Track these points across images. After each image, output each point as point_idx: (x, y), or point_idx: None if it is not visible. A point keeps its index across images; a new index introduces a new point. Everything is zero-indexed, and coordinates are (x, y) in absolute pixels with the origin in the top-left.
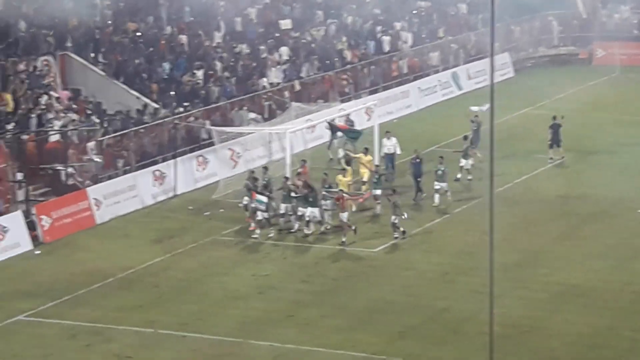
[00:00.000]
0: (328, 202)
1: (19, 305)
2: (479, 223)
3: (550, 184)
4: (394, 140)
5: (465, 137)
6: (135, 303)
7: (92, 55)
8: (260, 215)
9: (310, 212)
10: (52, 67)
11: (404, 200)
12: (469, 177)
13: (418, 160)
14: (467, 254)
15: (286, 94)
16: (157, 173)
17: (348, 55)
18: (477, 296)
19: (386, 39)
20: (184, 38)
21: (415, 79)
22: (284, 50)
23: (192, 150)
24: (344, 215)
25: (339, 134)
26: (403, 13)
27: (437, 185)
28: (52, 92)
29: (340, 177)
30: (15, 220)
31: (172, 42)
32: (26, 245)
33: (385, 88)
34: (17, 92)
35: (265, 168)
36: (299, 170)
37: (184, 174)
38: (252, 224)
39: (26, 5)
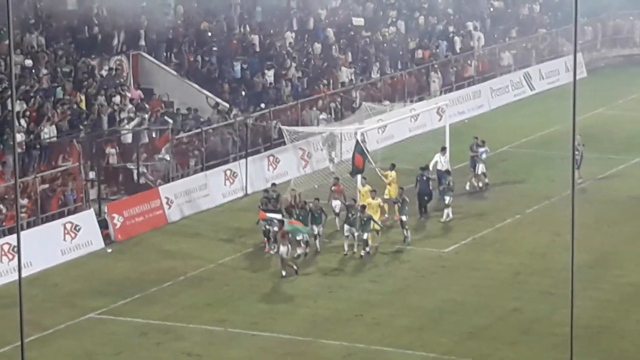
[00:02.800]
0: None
1: (91, 303)
2: (550, 223)
3: (623, 184)
4: (448, 156)
5: (476, 138)
6: (206, 301)
7: (165, 55)
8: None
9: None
10: (124, 67)
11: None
12: (486, 181)
13: (425, 178)
14: (539, 254)
15: (357, 94)
16: (228, 172)
17: (420, 54)
18: (549, 297)
19: (458, 38)
20: (255, 38)
21: (487, 79)
22: (355, 50)
23: (263, 150)
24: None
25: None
26: (475, 13)
27: (446, 199)
28: (124, 92)
29: (369, 200)
30: (87, 218)
31: (244, 42)
32: (98, 243)
33: (457, 88)
34: (90, 92)
35: (274, 184)
36: (333, 187)
37: (255, 173)
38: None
39: (100, 5)
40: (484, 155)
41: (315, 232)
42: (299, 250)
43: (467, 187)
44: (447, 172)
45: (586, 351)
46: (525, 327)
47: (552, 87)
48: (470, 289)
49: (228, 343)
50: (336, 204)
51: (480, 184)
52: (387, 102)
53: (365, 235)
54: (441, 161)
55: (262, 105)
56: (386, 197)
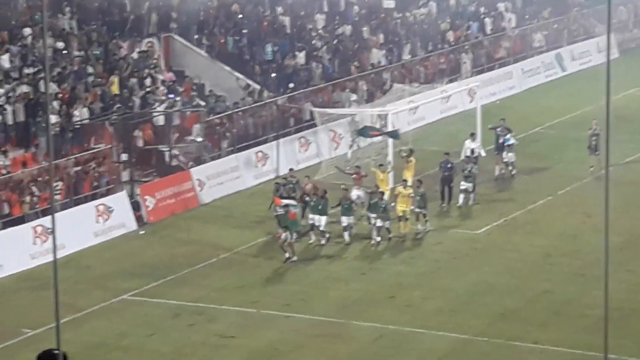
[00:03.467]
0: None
1: (124, 284)
2: (581, 205)
3: None
4: (478, 142)
5: (503, 120)
6: (238, 283)
7: (196, 37)
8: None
9: (317, 219)
10: (156, 49)
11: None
12: (513, 172)
13: (449, 165)
14: (569, 236)
15: (388, 75)
16: (260, 154)
17: (451, 36)
18: (579, 279)
19: (489, 19)
20: (286, 19)
21: (518, 60)
22: (386, 31)
23: (294, 132)
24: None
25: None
26: None
27: (463, 185)
28: (156, 74)
29: (400, 189)
30: (120, 200)
31: (275, 24)
32: (131, 225)
33: (488, 69)
34: (122, 74)
35: (291, 169)
36: (353, 176)
37: (286, 155)
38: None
39: None
40: (511, 141)
41: (345, 224)
42: (322, 241)
43: (497, 173)
44: (475, 159)
45: (618, 333)
46: (556, 308)
47: (584, 68)
48: (501, 271)
49: (260, 325)
50: (357, 194)
51: (504, 171)
52: (418, 84)
53: (387, 224)
54: (471, 146)
55: (291, 85)
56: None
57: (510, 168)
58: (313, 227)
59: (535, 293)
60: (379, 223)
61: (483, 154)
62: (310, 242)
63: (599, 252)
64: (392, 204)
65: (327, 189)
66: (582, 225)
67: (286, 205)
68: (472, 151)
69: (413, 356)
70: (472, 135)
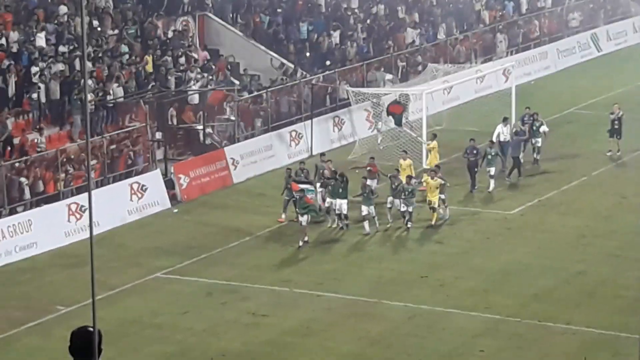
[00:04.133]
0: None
1: (158, 262)
2: (615, 186)
3: None
4: (509, 127)
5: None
6: (271, 262)
7: (231, 15)
8: (304, 220)
9: (338, 204)
10: (191, 28)
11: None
12: (537, 157)
13: (475, 151)
14: (604, 217)
15: (422, 55)
16: (294, 133)
17: (486, 15)
18: (614, 260)
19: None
20: None
21: (553, 40)
22: (421, 11)
23: (328, 111)
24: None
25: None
26: None
27: (489, 169)
28: (190, 53)
29: (428, 179)
30: (154, 179)
31: (310, 3)
32: (165, 203)
33: (523, 49)
34: (157, 53)
35: (302, 162)
36: (368, 168)
37: (320, 135)
38: (283, 216)
39: None
40: (542, 128)
41: (365, 213)
42: (341, 224)
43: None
44: (509, 143)
45: None
46: (590, 289)
47: (620, 48)
48: (535, 251)
49: (293, 303)
50: (371, 184)
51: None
52: (452, 64)
53: (410, 208)
54: (503, 132)
55: (328, 63)
56: (427, 166)
57: (535, 154)
58: (329, 210)
59: (569, 274)
60: (402, 207)
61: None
62: (329, 225)
63: (633, 233)
64: (420, 189)
65: (346, 174)
66: (616, 206)
67: (302, 190)
68: (504, 136)
69: (445, 336)
70: (505, 120)
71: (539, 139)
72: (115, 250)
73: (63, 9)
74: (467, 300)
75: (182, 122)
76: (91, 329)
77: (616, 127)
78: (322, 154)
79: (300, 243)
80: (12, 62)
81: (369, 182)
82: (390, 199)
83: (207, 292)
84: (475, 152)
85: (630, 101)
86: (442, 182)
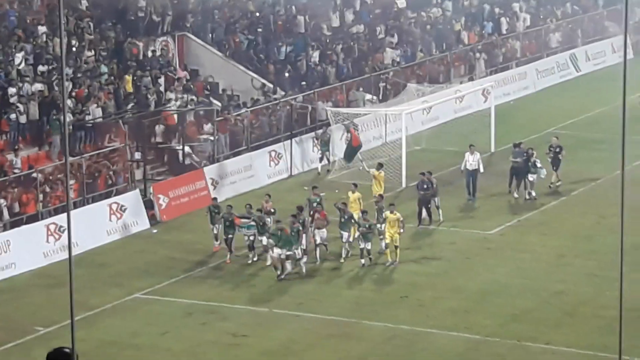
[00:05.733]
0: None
1: (137, 283)
2: (595, 205)
3: None
4: (477, 155)
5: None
6: (251, 282)
7: (210, 36)
8: (247, 239)
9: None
10: (170, 48)
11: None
12: (532, 192)
13: (426, 185)
14: (584, 237)
15: (402, 75)
16: (273, 153)
17: (465, 36)
18: (594, 279)
19: (504, 19)
20: (300, 19)
21: (532, 60)
22: (401, 31)
23: (308, 131)
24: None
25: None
26: None
27: (531, 177)
28: (170, 73)
29: (387, 213)
30: (133, 199)
31: (289, 24)
32: (144, 224)
33: (503, 69)
34: (136, 73)
35: (315, 187)
36: (316, 215)
37: (300, 155)
38: (228, 257)
39: None
40: (543, 173)
41: (344, 240)
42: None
43: (516, 195)
44: (476, 172)
45: (633, 334)
46: (570, 309)
47: (598, 68)
48: (514, 271)
49: (273, 324)
50: (320, 234)
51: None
52: (431, 84)
53: (369, 245)
54: (469, 160)
55: (303, 84)
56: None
57: (529, 188)
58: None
59: (548, 294)
60: (361, 244)
61: (482, 169)
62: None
63: (613, 252)
64: (379, 226)
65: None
66: (596, 225)
67: (246, 226)
68: (471, 165)
69: (425, 356)
70: (471, 147)
71: (534, 175)
72: (95, 271)
73: (42, 29)
74: (447, 320)
75: (161, 142)
76: (67, 350)
77: (553, 157)
78: (315, 187)
79: (282, 275)
80: None
81: (317, 233)
82: (340, 232)
83: (186, 312)
84: (426, 186)
85: (609, 121)
86: (402, 217)
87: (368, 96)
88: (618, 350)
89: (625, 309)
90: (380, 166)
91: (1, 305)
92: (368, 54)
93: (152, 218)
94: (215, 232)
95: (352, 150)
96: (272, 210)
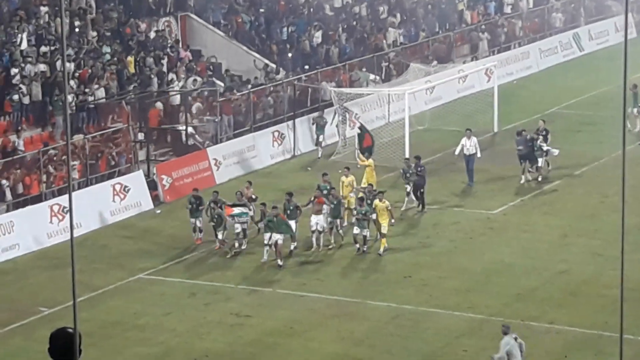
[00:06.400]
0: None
1: (140, 263)
2: (598, 185)
3: None
4: (474, 140)
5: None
6: (254, 263)
7: (213, 16)
8: (239, 227)
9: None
10: (173, 28)
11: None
12: (539, 178)
13: (420, 169)
14: (587, 216)
15: (405, 55)
16: (276, 134)
17: (468, 15)
18: (597, 258)
19: None
20: None
21: (535, 39)
22: (404, 11)
23: (311, 111)
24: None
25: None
26: None
27: (540, 161)
28: (173, 53)
29: (377, 202)
30: (136, 179)
31: (291, 4)
32: (147, 204)
33: (506, 49)
34: (139, 54)
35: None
36: (314, 200)
37: (303, 135)
38: (217, 243)
39: None
40: (555, 153)
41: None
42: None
43: (522, 180)
44: (473, 156)
45: (635, 313)
46: (573, 289)
47: (601, 47)
48: (518, 251)
49: (277, 304)
50: (317, 220)
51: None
52: (435, 64)
53: (365, 232)
54: (466, 145)
55: (307, 67)
56: (363, 185)
57: (538, 174)
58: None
59: (551, 273)
60: (356, 231)
61: (479, 154)
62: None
63: (616, 232)
64: (372, 214)
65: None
66: (599, 205)
67: (237, 214)
68: (468, 150)
69: (429, 336)
70: (468, 132)
71: (542, 159)
72: (98, 252)
73: (44, 10)
74: (451, 300)
75: (164, 123)
76: (71, 330)
77: (543, 147)
78: (325, 174)
79: (280, 262)
80: None
81: (313, 218)
82: (329, 219)
83: (190, 293)
84: (420, 169)
85: (613, 100)
86: (390, 205)
87: (371, 76)
88: (619, 329)
89: (627, 289)
90: (369, 154)
91: (5, 286)
92: (371, 34)
93: (155, 199)
94: (199, 224)
95: (367, 149)
96: (254, 197)
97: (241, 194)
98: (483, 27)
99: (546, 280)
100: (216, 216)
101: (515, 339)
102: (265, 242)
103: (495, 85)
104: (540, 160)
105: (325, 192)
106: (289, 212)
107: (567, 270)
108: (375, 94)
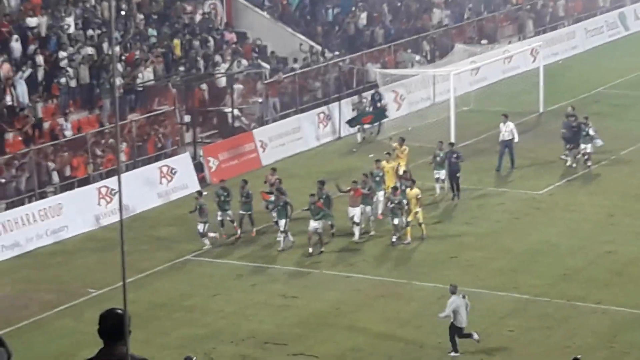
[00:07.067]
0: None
1: (187, 245)
2: None
3: None
4: (510, 125)
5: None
6: (300, 243)
7: None
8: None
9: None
10: (219, 11)
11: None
12: (588, 163)
13: (456, 155)
14: (633, 196)
15: (450, 35)
16: (322, 115)
17: None
18: None
19: None
20: None
21: (581, 19)
22: None
23: (356, 93)
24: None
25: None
26: None
27: (583, 146)
28: (218, 36)
29: (384, 162)
30: (183, 162)
31: None
32: (194, 186)
33: (551, 29)
34: (185, 37)
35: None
36: (351, 192)
37: (348, 116)
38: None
39: None
40: (599, 143)
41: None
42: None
43: (568, 163)
44: (511, 141)
45: None
46: (619, 269)
47: None
48: (564, 231)
49: (323, 285)
50: (355, 212)
51: (585, 163)
52: (481, 43)
53: (397, 221)
54: (503, 130)
55: (354, 47)
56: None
57: (586, 159)
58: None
59: (597, 253)
60: (394, 221)
61: (517, 139)
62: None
63: None
64: (406, 203)
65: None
66: None
67: (271, 201)
68: (504, 135)
69: (474, 316)
70: (504, 117)
71: (589, 145)
72: (146, 234)
73: None
74: (496, 280)
75: (210, 105)
76: (120, 311)
77: (583, 132)
78: (378, 160)
79: (311, 250)
80: (40, 47)
81: (350, 210)
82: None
83: (236, 274)
84: (456, 156)
85: None
86: (420, 194)
87: (416, 57)
88: None
89: None
90: (402, 140)
91: (54, 267)
92: (416, 15)
93: (202, 180)
94: (228, 218)
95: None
96: (278, 183)
97: (279, 181)
98: (528, 7)
99: (592, 260)
100: (281, 203)
101: (463, 297)
102: (281, 229)
103: (541, 66)
104: (583, 145)
105: (377, 178)
106: (321, 200)
107: (613, 251)
108: (420, 75)
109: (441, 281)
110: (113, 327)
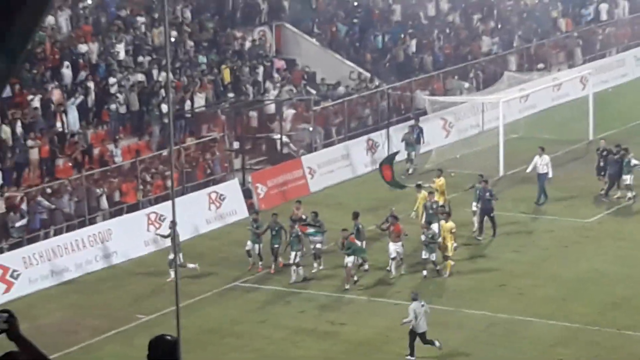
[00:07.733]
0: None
1: (236, 272)
2: None
3: None
4: (546, 158)
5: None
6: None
7: (307, 25)
8: (314, 248)
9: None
10: (268, 38)
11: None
12: (633, 195)
13: (488, 193)
14: None
15: (499, 63)
16: (370, 142)
17: (562, 23)
18: None
19: (604, 6)
20: (397, 8)
21: (631, 47)
22: (497, 19)
23: (404, 120)
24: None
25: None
26: None
27: (625, 177)
28: (267, 63)
29: (442, 222)
30: (232, 188)
31: (385, 12)
32: (242, 212)
33: (601, 57)
34: (235, 63)
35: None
36: (390, 228)
37: (397, 143)
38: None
39: None
40: (633, 162)
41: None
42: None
43: (617, 195)
44: (546, 175)
45: None
46: None
47: None
48: (613, 259)
49: (371, 312)
50: (395, 247)
51: (629, 195)
52: (541, 65)
53: (433, 256)
54: (539, 163)
55: (402, 74)
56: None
57: (630, 192)
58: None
59: None
60: (424, 255)
61: (551, 174)
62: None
63: None
64: (439, 238)
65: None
66: None
67: (314, 234)
68: (538, 168)
69: (523, 344)
70: (540, 150)
71: (629, 176)
72: (195, 260)
73: (141, 20)
74: (546, 308)
75: (259, 131)
76: (169, 338)
77: (605, 163)
78: (431, 192)
79: (347, 286)
80: (90, 73)
81: (391, 246)
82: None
83: (285, 301)
84: (488, 194)
85: None
86: (455, 228)
87: (465, 84)
88: None
89: None
90: (440, 172)
91: (103, 293)
92: (465, 42)
93: (250, 207)
94: (256, 251)
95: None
96: (304, 217)
97: (316, 214)
98: (577, 34)
99: None
100: (293, 235)
101: (422, 305)
102: (291, 261)
103: (591, 93)
104: (626, 177)
105: (430, 211)
106: (354, 233)
107: None
108: (469, 102)
109: (490, 309)
110: (163, 354)
